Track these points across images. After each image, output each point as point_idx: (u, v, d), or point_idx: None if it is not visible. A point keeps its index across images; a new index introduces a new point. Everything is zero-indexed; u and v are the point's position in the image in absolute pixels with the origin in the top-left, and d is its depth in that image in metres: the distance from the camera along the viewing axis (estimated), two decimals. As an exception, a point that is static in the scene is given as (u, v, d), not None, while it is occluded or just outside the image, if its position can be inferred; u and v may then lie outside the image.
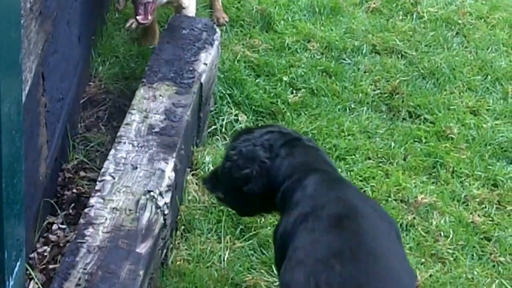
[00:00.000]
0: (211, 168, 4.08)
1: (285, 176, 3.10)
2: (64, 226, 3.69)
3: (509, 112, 4.68)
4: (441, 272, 3.71)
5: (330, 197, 2.94)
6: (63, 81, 3.92)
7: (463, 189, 4.15)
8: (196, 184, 4.01)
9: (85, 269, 3.00)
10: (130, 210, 3.31)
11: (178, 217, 3.80)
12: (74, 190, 3.89)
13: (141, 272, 3.04)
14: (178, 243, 3.70)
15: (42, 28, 3.34)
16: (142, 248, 3.15)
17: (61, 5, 3.73)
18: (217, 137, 4.40)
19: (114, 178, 3.46)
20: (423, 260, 3.76)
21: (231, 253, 3.66)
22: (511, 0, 5.71)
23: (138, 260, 3.09)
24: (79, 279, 2.96)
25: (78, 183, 3.94)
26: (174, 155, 3.62)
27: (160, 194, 3.41)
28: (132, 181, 3.45)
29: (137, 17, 4.43)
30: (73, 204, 3.81)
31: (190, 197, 3.93)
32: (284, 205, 3.05)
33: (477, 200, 4.10)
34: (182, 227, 3.79)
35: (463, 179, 4.21)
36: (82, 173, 4.01)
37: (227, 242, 3.73)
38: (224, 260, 3.63)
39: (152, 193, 3.39)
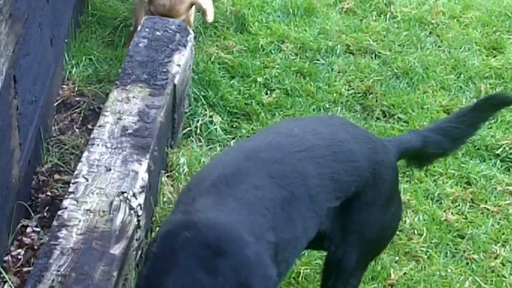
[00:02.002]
0: (186, 169, 4.10)
1: None
2: (38, 229, 3.68)
3: (482, 111, 4.70)
4: (415, 270, 3.73)
5: None
6: (35, 83, 3.91)
7: (437, 187, 4.17)
8: (171, 185, 4.02)
9: (58, 271, 2.99)
10: (103, 211, 3.30)
11: (153, 218, 3.80)
12: (49, 193, 3.89)
13: (115, 273, 3.04)
14: (153, 244, 3.70)
15: (13, 30, 3.33)
16: (116, 249, 3.14)
17: (32, 7, 3.72)
18: (191, 138, 4.40)
19: (87, 180, 3.45)
20: (397, 258, 3.78)
21: (206, 253, 3.66)
22: (484, -1, 5.75)
23: (112, 261, 3.08)
24: (53, 281, 2.95)
25: (53, 186, 3.93)
26: (148, 156, 3.62)
27: (134, 195, 3.41)
28: (105, 183, 3.45)
29: None
30: (47, 207, 3.81)
31: (165, 199, 3.93)
32: None
33: (451, 198, 4.12)
34: (157, 228, 3.78)
35: (436, 177, 4.24)
36: (56, 176, 4.01)
37: (202, 243, 3.73)
38: (199, 261, 3.63)
39: (125, 195, 3.38)
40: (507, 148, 4.42)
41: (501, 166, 4.35)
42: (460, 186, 4.20)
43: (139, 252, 3.50)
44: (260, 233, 2.72)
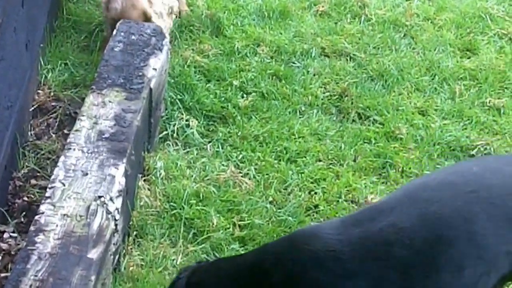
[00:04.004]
0: (163, 173, 4.10)
1: None
2: (15, 235, 3.67)
3: (456, 112, 4.75)
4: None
5: None
6: (11, 88, 3.90)
7: (413, 188, 4.20)
8: (148, 189, 4.02)
9: (36, 276, 2.99)
10: (80, 216, 3.30)
11: (130, 222, 3.80)
12: (25, 198, 3.88)
13: (93, 278, 3.04)
14: (131, 248, 3.70)
15: (-12, 35, 3.33)
16: (94, 254, 3.14)
17: (6, 12, 3.71)
18: (168, 142, 4.40)
19: (64, 185, 3.45)
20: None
21: (184, 257, 3.67)
22: (458, 1, 5.78)
23: (90, 265, 3.09)
24: (30, 286, 2.95)
25: (29, 191, 3.93)
26: (125, 160, 3.62)
27: (111, 199, 3.41)
28: (82, 187, 3.45)
29: None
30: (24, 212, 3.80)
31: (142, 203, 3.93)
32: None
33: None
34: (135, 232, 3.79)
35: (412, 178, 4.26)
36: (33, 181, 4.00)
37: (180, 247, 3.74)
38: (177, 264, 3.64)
39: (102, 199, 3.39)
40: (481, 149, 4.46)
41: (476, 167, 4.37)
42: (436, 187, 4.22)
43: (117, 257, 3.51)
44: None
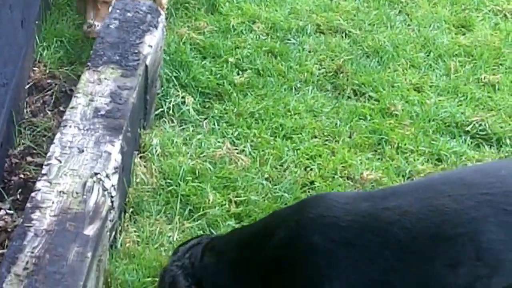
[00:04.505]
0: (159, 150, 4.11)
1: (236, 276, 2.92)
2: (11, 212, 3.68)
3: (452, 88, 4.75)
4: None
5: None
6: (6, 66, 3.90)
7: (408, 164, 4.21)
8: (144, 166, 4.03)
9: (32, 252, 3.00)
10: (77, 193, 3.31)
11: (126, 199, 3.81)
12: (21, 176, 3.89)
13: (89, 254, 3.04)
14: (127, 225, 3.72)
15: (-17, 12, 3.33)
16: (90, 230, 3.15)
17: (2, -10, 3.71)
18: (164, 119, 4.41)
19: (60, 162, 3.45)
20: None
21: (180, 233, 3.69)
22: (453, -22, 5.78)
23: (86, 242, 3.09)
24: (27, 262, 2.95)
25: (25, 169, 3.93)
26: (121, 137, 3.62)
27: (107, 176, 3.42)
28: (78, 164, 3.45)
29: None
30: (20, 190, 3.81)
31: (138, 180, 3.94)
32: None
33: (422, 175, 4.16)
34: (131, 209, 3.80)
35: (407, 154, 4.28)
36: (29, 159, 4.00)
37: (176, 223, 3.76)
38: (173, 241, 3.65)
39: (98, 176, 3.39)
40: (476, 125, 4.47)
41: (471, 143, 4.39)
42: (431, 163, 4.24)
43: (113, 233, 3.52)
44: None
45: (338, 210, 2.73)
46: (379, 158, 4.26)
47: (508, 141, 4.38)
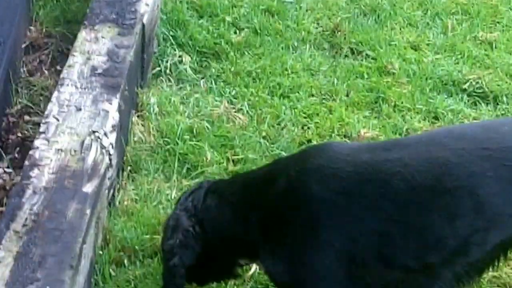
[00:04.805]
0: (156, 109, 4.11)
1: (236, 218, 2.93)
2: (10, 170, 3.69)
3: (449, 46, 4.75)
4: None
5: None
6: (3, 25, 3.89)
7: (405, 122, 4.21)
8: (142, 125, 4.03)
9: (31, 209, 3.01)
10: (75, 150, 3.32)
11: (124, 158, 3.82)
12: (19, 134, 3.89)
13: (88, 211, 3.06)
14: (125, 183, 3.73)
15: (-21, -30, 3.31)
16: (88, 188, 3.16)
17: None
18: (161, 78, 4.40)
19: (58, 120, 3.46)
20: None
21: (178, 191, 3.69)
22: None
23: (85, 199, 3.11)
24: (26, 219, 2.97)
25: (23, 127, 3.94)
26: (118, 96, 3.63)
27: (105, 134, 3.43)
28: (76, 122, 3.46)
29: None
30: (18, 148, 3.82)
31: (135, 138, 3.95)
32: (270, 235, 2.83)
33: (419, 133, 4.17)
34: (129, 167, 3.81)
35: (404, 113, 4.28)
36: (26, 117, 4.01)
37: (174, 181, 3.77)
38: (171, 199, 3.66)
39: (96, 134, 3.40)
40: (473, 83, 4.46)
41: (468, 101, 4.39)
42: (428, 121, 4.24)
43: (111, 191, 3.53)
44: None
45: (339, 161, 2.75)
46: (376, 116, 4.26)
47: (504, 99, 4.38)
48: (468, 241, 2.63)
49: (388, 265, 2.66)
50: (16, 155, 3.78)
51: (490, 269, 2.88)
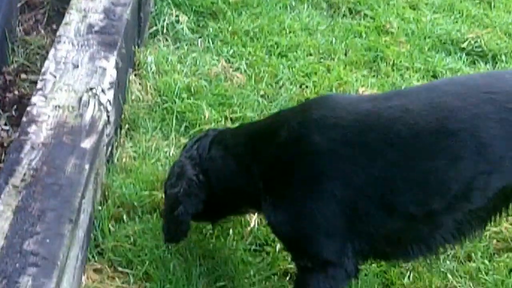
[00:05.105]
0: (154, 68, 4.08)
1: (239, 169, 2.95)
2: (7, 127, 3.67)
3: (447, 5, 4.73)
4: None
5: None
6: (-2, -17, 3.86)
7: (403, 81, 4.20)
8: (139, 83, 4.01)
9: (29, 164, 2.99)
10: (72, 107, 3.30)
11: (122, 116, 3.80)
12: (16, 92, 3.86)
13: (87, 167, 3.04)
14: (123, 141, 3.71)
15: None
16: (87, 144, 3.14)
17: None
18: (158, 37, 4.38)
19: (55, 77, 3.43)
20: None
21: (177, 149, 3.68)
22: None
23: (83, 155, 3.09)
24: (24, 174, 2.95)
25: (20, 86, 3.91)
26: (115, 53, 3.60)
27: (103, 91, 3.41)
28: (73, 79, 3.44)
29: None
30: (15, 106, 3.79)
31: (133, 97, 3.93)
32: (272, 186, 2.83)
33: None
34: (127, 125, 3.80)
35: (403, 71, 4.27)
36: (23, 76, 3.98)
37: (172, 139, 3.75)
38: (169, 156, 3.65)
39: (94, 90, 3.38)
40: (472, 42, 4.45)
41: (467, 60, 4.39)
42: (426, 80, 4.23)
43: (110, 148, 3.52)
44: None
45: (340, 111, 2.74)
46: (374, 75, 4.25)
47: (503, 58, 4.38)
48: (471, 186, 2.62)
49: (390, 213, 2.65)
50: (14, 112, 3.75)
51: (491, 223, 2.87)
